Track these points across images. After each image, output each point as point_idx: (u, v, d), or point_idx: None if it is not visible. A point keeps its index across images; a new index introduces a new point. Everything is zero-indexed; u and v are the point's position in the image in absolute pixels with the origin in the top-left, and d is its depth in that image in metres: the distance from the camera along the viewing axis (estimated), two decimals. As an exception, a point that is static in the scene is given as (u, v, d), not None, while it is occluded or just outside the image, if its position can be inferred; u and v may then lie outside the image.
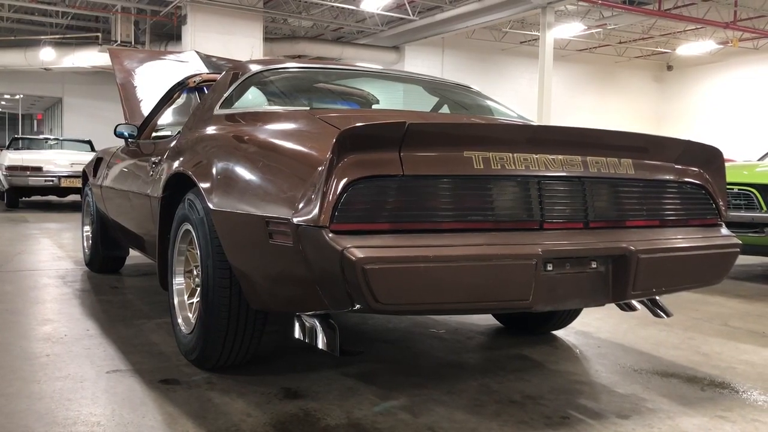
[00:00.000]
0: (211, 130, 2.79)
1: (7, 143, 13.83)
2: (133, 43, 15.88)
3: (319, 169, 1.87)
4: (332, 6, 15.78)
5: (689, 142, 2.45)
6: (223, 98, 2.94)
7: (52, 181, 10.83)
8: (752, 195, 4.93)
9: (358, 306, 1.86)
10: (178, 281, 2.77)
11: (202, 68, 5.39)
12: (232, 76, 3.07)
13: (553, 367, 2.74)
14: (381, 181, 1.89)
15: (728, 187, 5.05)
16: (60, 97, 21.40)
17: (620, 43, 19.27)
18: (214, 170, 2.45)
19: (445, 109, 3.40)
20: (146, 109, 4.80)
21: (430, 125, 1.98)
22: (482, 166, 2.03)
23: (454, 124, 2.05)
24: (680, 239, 2.33)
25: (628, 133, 2.34)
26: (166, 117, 4.14)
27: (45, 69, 17.72)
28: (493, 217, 2.04)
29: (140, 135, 3.96)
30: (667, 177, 2.41)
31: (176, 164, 2.80)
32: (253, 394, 2.31)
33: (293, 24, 17.90)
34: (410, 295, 1.85)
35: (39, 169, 10.74)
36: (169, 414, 2.12)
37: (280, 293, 2.20)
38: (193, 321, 2.60)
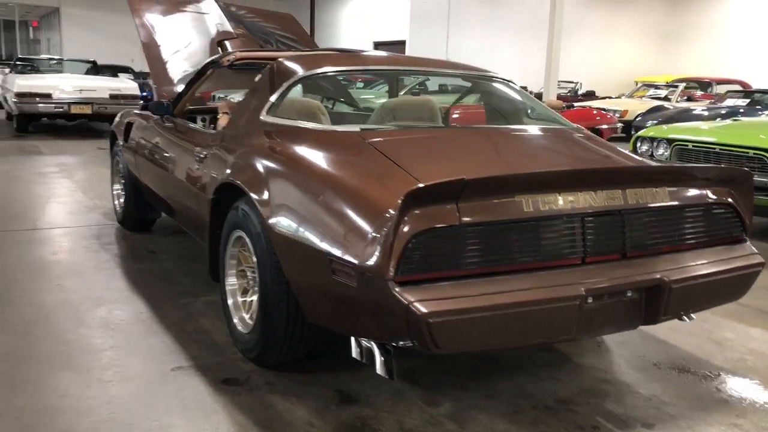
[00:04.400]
0: (260, 140, 2.88)
1: (11, 65, 13.67)
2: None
3: (386, 222, 2.01)
4: None
5: (721, 168, 2.57)
6: (270, 104, 3.01)
7: (62, 107, 10.82)
8: (766, 159, 5.04)
9: (415, 345, 2.04)
10: (231, 282, 2.95)
11: (223, 21, 5.36)
12: (276, 79, 3.12)
13: (578, 361, 2.96)
14: (440, 232, 2.04)
15: (743, 150, 5.18)
16: (57, 6, 20.83)
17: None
18: (270, 190, 2.58)
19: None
20: (172, 70, 4.84)
21: (485, 180, 2.09)
22: (531, 209, 2.17)
23: (506, 176, 2.16)
24: (709, 264, 2.49)
25: (665, 165, 2.47)
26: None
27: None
28: (541, 256, 2.20)
29: (174, 110, 4.04)
30: (699, 201, 2.55)
31: (226, 172, 2.91)
32: (311, 398, 2.54)
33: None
34: (468, 340, 2.04)
35: (48, 96, 10.70)
36: (239, 425, 2.34)
37: (338, 318, 2.38)
38: (249, 322, 2.80)
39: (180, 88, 4.60)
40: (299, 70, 3.13)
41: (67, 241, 4.70)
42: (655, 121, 12.00)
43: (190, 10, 5.48)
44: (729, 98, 13.06)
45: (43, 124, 12.10)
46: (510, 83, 3.65)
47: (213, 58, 3.95)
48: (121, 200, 5.02)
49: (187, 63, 4.88)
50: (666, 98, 14.70)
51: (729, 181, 2.62)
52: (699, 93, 16.75)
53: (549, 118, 3.38)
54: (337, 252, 2.16)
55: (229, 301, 2.94)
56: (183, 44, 5.09)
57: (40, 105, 10.70)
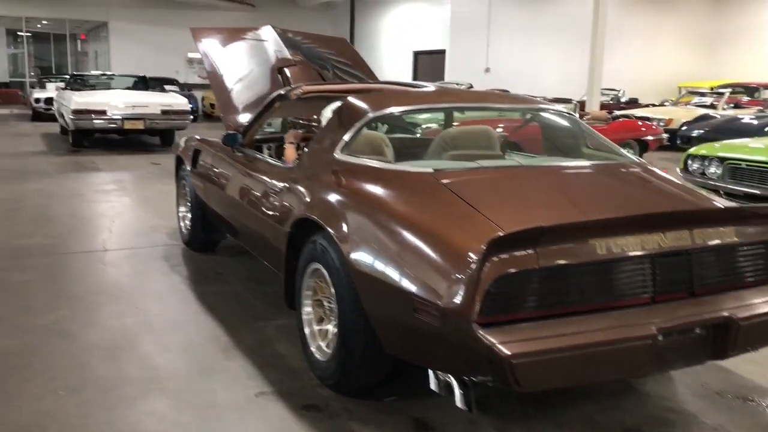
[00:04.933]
0: (336, 178, 3.05)
1: (66, 81, 14.18)
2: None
3: (470, 266, 2.15)
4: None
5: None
6: (343, 142, 3.18)
7: (116, 123, 11.20)
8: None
9: (496, 382, 2.18)
10: (307, 311, 3.11)
11: (281, 48, 5.56)
12: (347, 118, 3.28)
13: (642, 389, 3.05)
14: (520, 275, 2.17)
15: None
16: (105, 21, 21.49)
17: (677, -40, 18.54)
18: (349, 226, 2.73)
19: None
20: (236, 98, 5.05)
21: (561, 226, 2.22)
22: (605, 252, 2.29)
23: (582, 222, 2.28)
24: None
25: (730, 207, 2.56)
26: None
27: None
28: (613, 295, 2.32)
29: (243, 140, 4.24)
30: (763, 238, 2.63)
31: (303, 207, 3.09)
32: (389, 425, 2.68)
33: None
34: (548, 379, 2.17)
35: (104, 112, 11.09)
36: (326, 452, 2.50)
37: (417, 351, 2.52)
38: (326, 350, 2.96)
39: (244, 116, 4.82)
40: (369, 111, 3.29)
41: (139, 262, 4.94)
42: (701, 131, 11.89)
43: (250, 38, 5.70)
44: (778, 106, 12.85)
45: (96, 138, 12.52)
46: (569, 114, 3.75)
47: (280, 91, 4.13)
48: (187, 222, 5.25)
49: (250, 91, 5.09)
50: (711, 105, 14.52)
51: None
52: (746, 99, 16.50)
53: (609, 150, 3.48)
54: (419, 292, 2.30)
55: (306, 330, 3.10)
56: (245, 72, 5.31)
57: (95, 121, 11.10)
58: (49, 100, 16.35)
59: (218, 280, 4.54)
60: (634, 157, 3.35)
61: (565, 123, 3.76)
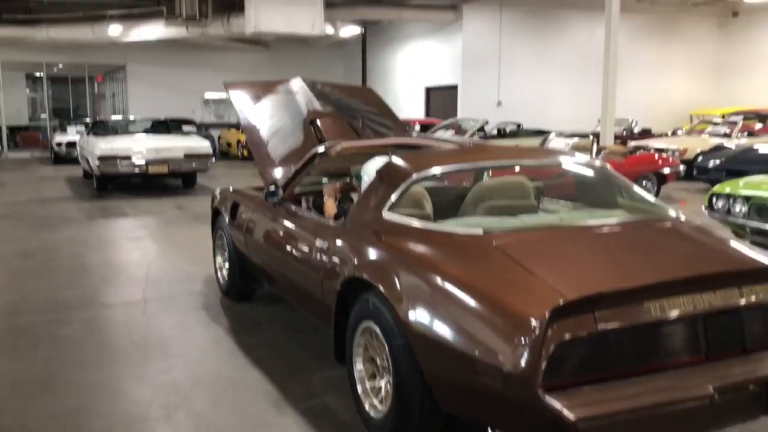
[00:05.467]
0: (386, 238, 3.16)
1: (87, 126, 14.47)
2: (197, 16, 16.17)
3: (533, 332, 2.24)
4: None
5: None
6: (390, 202, 3.30)
7: (141, 168, 11.41)
8: None
9: None
10: (359, 368, 3.20)
11: (312, 99, 5.73)
12: (393, 179, 3.41)
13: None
14: (580, 340, 2.27)
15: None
16: (123, 64, 21.94)
17: (684, -8, 18.79)
18: (403, 287, 2.83)
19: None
20: (273, 152, 5.20)
21: (618, 291, 2.32)
22: (659, 313, 2.38)
23: (637, 287, 2.37)
24: None
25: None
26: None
27: (111, 43, 18.23)
28: (669, 355, 2.41)
29: (284, 195, 4.38)
30: (809, 292, 2.70)
31: (354, 266, 3.20)
32: (447, 482, 2.75)
33: (351, -12, 17.91)
34: None
35: (128, 157, 11.30)
36: None
37: (477, 410, 2.60)
38: (381, 408, 3.04)
39: (280, 170, 4.96)
40: (413, 172, 3.41)
41: (179, 312, 5.05)
42: (717, 161, 11.99)
43: (281, 91, 5.87)
44: (792, 134, 12.93)
45: (120, 181, 12.75)
46: (603, 168, 3.86)
47: (320, 149, 4.27)
48: (224, 272, 5.36)
49: (285, 144, 5.25)
50: (726, 135, 14.61)
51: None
52: (758, 126, 16.59)
53: (644, 202, 3.58)
54: (482, 356, 2.39)
55: (359, 388, 3.18)
56: (279, 125, 5.47)
57: (120, 166, 11.31)
58: (70, 144, 16.68)
59: (260, 330, 4.64)
60: (671, 211, 3.45)
61: (597, 174, 3.86)
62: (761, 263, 2.72)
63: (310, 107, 5.66)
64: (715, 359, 2.48)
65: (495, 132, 14.15)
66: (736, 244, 3.10)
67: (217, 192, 5.65)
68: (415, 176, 3.40)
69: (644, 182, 10.58)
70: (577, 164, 3.93)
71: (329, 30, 17.92)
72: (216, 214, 5.51)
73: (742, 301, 2.53)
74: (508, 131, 14.37)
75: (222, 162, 17.51)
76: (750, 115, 17.22)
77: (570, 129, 14.34)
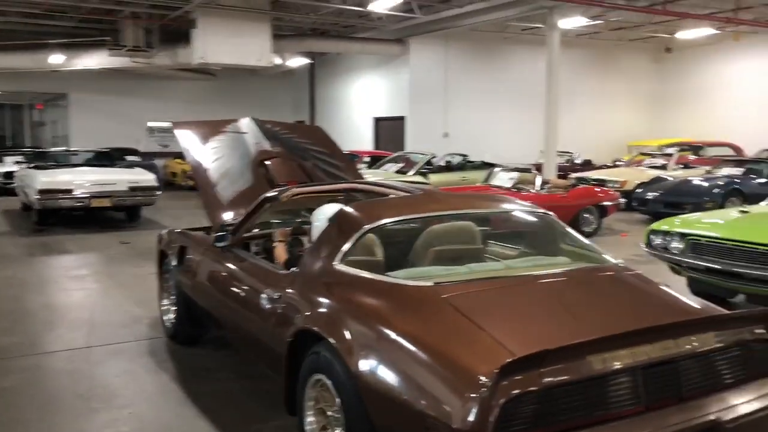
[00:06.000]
0: (337, 290, 3.19)
1: (27, 156, 14.07)
2: (143, 47, 16.01)
3: (482, 389, 2.30)
4: (340, 8, 15.90)
5: (761, 310, 2.89)
6: (342, 253, 3.33)
7: (83, 202, 11.15)
8: (778, 256, 5.37)
9: None
10: (310, 421, 3.20)
11: (261, 140, 5.74)
12: (345, 229, 3.45)
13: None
14: (527, 396, 2.33)
15: (753, 245, 5.52)
16: (65, 92, 21.46)
17: (620, 29, 19.52)
18: (355, 341, 2.86)
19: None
20: (222, 194, 5.17)
21: (563, 348, 2.40)
22: (602, 366, 2.48)
23: (581, 343, 2.46)
24: (756, 399, 2.77)
25: (711, 315, 2.80)
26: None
27: (53, 71, 17.85)
28: (610, 408, 2.49)
29: (232, 240, 4.36)
30: (742, 340, 2.85)
31: (305, 318, 3.21)
32: None
33: (299, 21, 18.00)
34: None
35: (70, 191, 11.04)
36: None
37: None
38: (332, 460, 3.04)
39: (229, 213, 4.94)
40: (365, 223, 3.46)
41: (125, 359, 4.93)
42: (655, 194, 12.46)
43: (230, 131, 5.86)
44: (724, 167, 13.54)
45: (62, 214, 12.41)
46: (546, 215, 3.99)
47: (270, 194, 4.29)
48: (170, 316, 5.28)
49: (235, 186, 5.23)
50: (663, 166, 15.20)
51: (764, 319, 2.93)
52: (692, 157, 17.33)
53: (588, 250, 3.72)
54: (432, 411, 2.43)
55: (310, 441, 3.18)
56: (228, 166, 5.45)
57: (61, 200, 11.02)
58: (7, 175, 16.17)
59: (209, 378, 4.58)
60: (609, 258, 3.59)
61: (541, 221, 4.00)
62: (695, 315, 2.85)
63: (259, 148, 5.66)
64: (654, 409, 2.58)
65: (443, 164, 14.35)
66: (671, 294, 3.24)
67: (164, 233, 5.57)
68: (366, 227, 3.45)
69: (586, 215, 10.89)
70: (522, 211, 4.06)
71: (277, 61, 17.99)
72: (163, 256, 5.44)
73: (678, 351, 2.65)
74: (456, 164, 14.60)
75: (167, 193, 17.22)
76: (685, 147, 17.99)
77: (515, 161, 14.70)
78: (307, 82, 23.45)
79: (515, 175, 11.17)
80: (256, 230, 4.89)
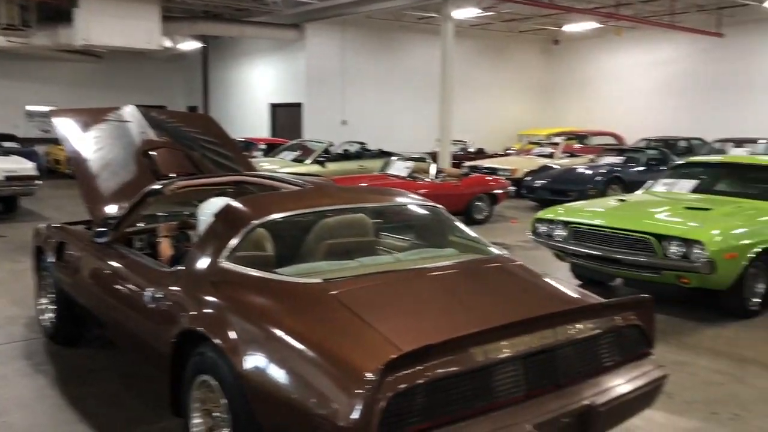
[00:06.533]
0: (223, 288, 3.11)
1: None
2: (20, 25, 14.95)
3: (367, 386, 2.30)
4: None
5: (630, 298, 3.06)
6: (228, 250, 3.24)
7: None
8: (650, 242, 5.72)
9: None
10: (196, 422, 3.11)
11: (146, 129, 5.49)
12: (231, 224, 3.36)
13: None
14: (412, 390, 2.37)
15: (629, 233, 5.85)
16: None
17: (511, 21, 20.12)
18: (241, 340, 2.80)
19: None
20: (102, 186, 4.91)
21: (447, 342, 2.44)
22: (484, 358, 2.55)
23: (464, 336, 2.51)
24: (627, 382, 2.94)
25: (586, 304, 2.93)
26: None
27: None
28: (493, 397, 2.57)
29: (114, 236, 4.16)
30: (615, 327, 3.01)
31: (190, 318, 3.11)
32: None
33: (191, 3, 17.37)
34: None
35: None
36: None
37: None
38: (219, 461, 2.97)
39: (112, 207, 4.70)
40: (252, 218, 3.37)
41: (-2, 362, 4.63)
42: (543, 181, 12.98)
43: (113, 119, 5.57)
44: (606, 155, 14.26)
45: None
46: (436, 207, 4.05)
47: (154, 186, 4.12)
48: (49, 315, 4.99)
49: (117, 178, 4.97)
50: (550, 155, 15.83)
51: (636, 306, 3.11)
52: (578, 146, 18.16)
53: (475, 241, 3.81)
54: (318, 410, 2.42)
55: (197, 443, 3.10)
56: (109, 157, 5.17)
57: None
58: None
59: (92, 379, 4.36)
60: (494, 249, 3.70)
61: (431, 213, 4.05)
62: (572, 304, 2.99)
63: (144, 137, 5.42)
64: (533, 396, 2.68)
65: (341, 152, 14.32)
66: (551, 284, 3.38)
67: (42, 228, 5.25)
68: (254, 222, 3.37)
69: (478, 203, 11.20)
70: (413, 204, 4.10)
71: (167, 44, 17.32)
72: (39, 252, 5.12)
73: (556, 340, 2.76)
74: (353, 152, 14.60)
75: (49, 181, 16.25)
76: (571, 136, 18.84)
77: (412, 149, 14.89)
78: (200, 67, 22.73)
79: (411, 164, 11.31)
80: (142, 224, 4.69)
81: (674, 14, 17.49)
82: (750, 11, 17.64)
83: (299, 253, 3.62)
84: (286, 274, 3.13)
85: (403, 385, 2.35)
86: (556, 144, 16.83)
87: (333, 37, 19.12)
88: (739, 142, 15.20)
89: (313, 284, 3.00)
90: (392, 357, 2.32)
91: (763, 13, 17.55)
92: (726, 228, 5.69)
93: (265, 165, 12.21)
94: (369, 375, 2.33)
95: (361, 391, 2.32)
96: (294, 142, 14.90)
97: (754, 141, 15.06)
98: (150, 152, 5.26)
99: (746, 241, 5.62)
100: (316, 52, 19.03)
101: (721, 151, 14.39)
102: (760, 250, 5.66)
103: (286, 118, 19.94)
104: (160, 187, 4.08)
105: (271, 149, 14.91)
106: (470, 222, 10.90)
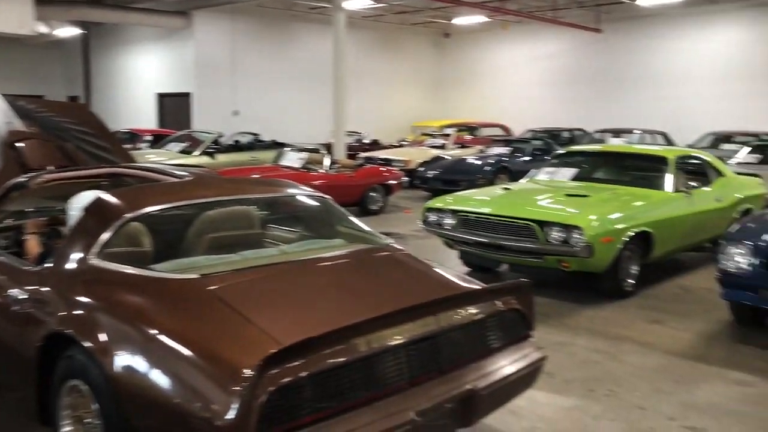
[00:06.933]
0: (93, 288, 2.92)
1: None
2: None
3: (244, 383, 2.23)
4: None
5: (510, 283, 3.13)
6: (99, 246, 3.05)
7: None
8: (533, 229, 5.92)
9: None
10: (66, 431, 2.92)
11: (12, 119, 5.12)
12: (101, 218, 3.16)
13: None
14: (293, 385, 2.31)
15: (514, 220, 6.04)
16: None
17: (403, 13, 20.32)
18: (113, 342, 2.64)
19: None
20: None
21: (327, 334, 2.40)
22: (366, 349, 2.53)
23: (344, 328, 2.47)
24: (508, 365, 3.01)
25: (466, 290, 2.98)
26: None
27: None
28: (377, 387, 2.56)
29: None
30: (495, 311, 3.07)
31: (57, 319, 2.91)
32: None
33: (68, -15, 16.41)
34: None
35: None
36: None
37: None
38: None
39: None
40: (125, 211, 3.19)
41: None
42: (435, 172, 13.21)
43: (-26, 108, 5.15)
44: (495, 146, 14.70)
45: None
46: (324, 198, 4.00)
47: (19, 179, 3.83)
48: None
49: (-21, 172, 4.60)
50: (442, 146, 16.14)
51: (515, 290, 3.19)
52: (469, 137, 18.63)
53: (361, 231, 3.78)
54: (195, 411, 2.32)
55: (69, 452, 2.91)
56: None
57: None
58: None
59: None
60: (383, 239, 3.70)
61: (319, 204, 3.99)
62: (454, 291, 3.02)
63: (10, 127, 5.03)
64: (417, 384, 2.69)
65: (232, 143, 13.98)
66: (436, 271, 3.41)
67: None
68: (127, 216, 3.19)
69: (372, 194, 11.25)
70: (300, 195, 4.02)
71: (42, 29, 16.27)
72: None
73: (439, 327, 2.78)
74: (245, 143, 14.29)
75: None
76: (462, 128, 19.29)
77: (307, 140, 14.74)
78: (81, 54, 21.52)
79: (305, 155, 11.19)
80: (10, 221, 4.36)
81: (557, 10, 18.25)
82: (625, 8, 18.69)
83: (180, 248, 3.46)
84: (162, 270, 2.99)
85: (285, 380, 2.29)
86: (448, 135, 17.18)
87: (222, 25, 18.63)
88: (617, 133, 16.10)
89: (190, 280, 2.87)
90: (271, 352, 2.25)
91: (637, 10, 18.64)
92: (603, 213, 5.97)
93: (152, 157, 11.75)
94: (246, 371, 2.25)
95: (238, 388, 2.24)
96: (181, 133, 14.40)
97: (629, 131, 15.99)
98: (16, 144, 4.90)
99: (621, 226, 5.92)
100: (205, 40, 18.48)
101: (600, 141, 15.17)
102: (633, 233, 5.98)
103: (174, 108, 19.25)
104: (26, 180, 3.81)
105: (159, 140, 14.35)
106: (365, 213, 10.94)
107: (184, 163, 11.04)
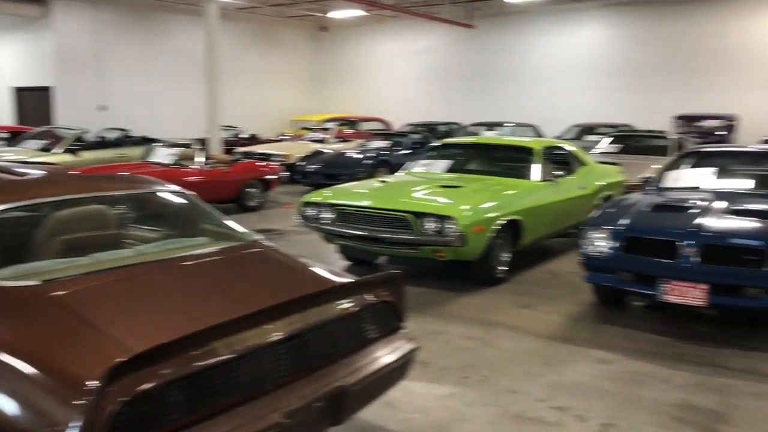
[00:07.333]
0: None
1: None
2: None
3: (88, 394, 2.04)
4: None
5: (380, 275, 3.09)
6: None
7: None
8: (408, 220, 5.96)
9: None
10: None
11: None
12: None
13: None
14: (146, 394, 2.15)
15: (390, 212, 6.05)
16: None
17: (278, 5, 19.99)
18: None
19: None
20: None
21: (182, 339, 2.24)
22: (228, 352, 2.40)
23: (200, 332, 2.30)
24: (380, 358, 2.97)
25: (335, 285, 2.90)
26: None
27: None
28: (243, 391, 2.43)
29: None
30: (368, 304, 3.01)
31: None
32: None
33: None
34: None
35: None
36: None
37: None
38: None
39: None
40: None
41: None
42: (316, 166, 13.09)
43: None
44: (375, 140, 14.76)
45: None
46: (188, 195, 3.79)
47: None
48: None
49: None
50: (322, 140, 16.03)
51: (386, 282, 3.15)
52: (349, 131, 18.64)
53: (228, 229, 3.62)
54: (36, 429, 2.11)
55: None
56: None
57: None
58: None
59: None
60: (252, 236, 3.56)
61: (183, 201, 3.79)
62: (321, 286, 2.94)
63: None
64: (287, 384, 2.58)
65: (98, 140, 13.20)
66: (304, 267, 3.32)
67: None
68: None
69: (250, 189, 10.97)
70: (163, 192, 3.80)
71: None
72: None
73: (306, 324, 2.69)
74: (113, 140, 13.53)
75: None
76: (342, 122, 19.27)
77: (181, 135, 14.16)
78: None
79: (176, 150, 10.72)
80: None
81: (431, 5, 18.60)
82: (495, 5, 19.35)
83: (24, 252, 3.17)
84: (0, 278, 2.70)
85: (142, 388, 2.12)
86: (328, 129, 17.10)
87: (85, 15, 17.55)
88: (490, 126, 16.65)
89: (29, 287, 2.62)
90: (118, 361, 2.07)
91: (507, 7, 19.35)
92: (474, 203, 6.10)
93: (8, 155, 10.86)
94: (90, 383, 2.07)
95: (81, 402, 2.05)
96: (40, 129, 13.43)
97: (502, 124, 16.58)
98: None
99: (492, 215, 6.08)
100: (66, 30, 17.32)
101: (475, 134, 15.62)
102: (504, 222, 6.16)
103: (33, 103, 17.93)
104: None
105: (15, 137, 13.30)
106: (243, 209, 10.65)
107: (43, 161, 10.30)
